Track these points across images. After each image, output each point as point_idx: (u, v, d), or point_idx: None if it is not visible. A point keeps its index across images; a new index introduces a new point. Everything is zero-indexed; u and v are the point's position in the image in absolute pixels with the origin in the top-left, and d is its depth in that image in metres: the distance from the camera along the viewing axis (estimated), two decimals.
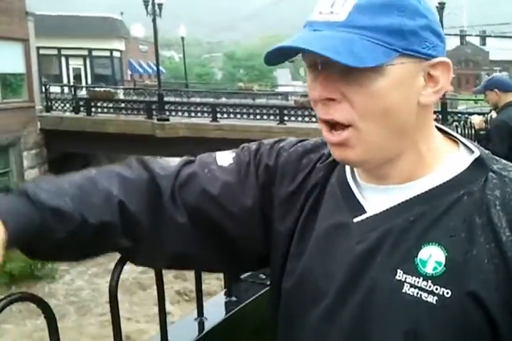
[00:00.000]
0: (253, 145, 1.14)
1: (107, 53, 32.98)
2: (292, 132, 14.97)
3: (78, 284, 12.93)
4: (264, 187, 1.08)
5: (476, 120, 5.57)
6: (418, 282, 0.88)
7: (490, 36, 35.46)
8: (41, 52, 22.00)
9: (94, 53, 32.68)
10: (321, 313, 0.96)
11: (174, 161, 1.12)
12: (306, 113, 17.78)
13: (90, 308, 11.53)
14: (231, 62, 64.20)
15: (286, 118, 17.67)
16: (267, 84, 44.83)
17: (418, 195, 0.93)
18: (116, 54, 33.61)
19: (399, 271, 0.90)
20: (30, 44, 18.69)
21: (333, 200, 1.02)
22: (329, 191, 1.03)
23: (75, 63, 32.67)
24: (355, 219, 0.96)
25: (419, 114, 0.92)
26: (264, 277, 1.47)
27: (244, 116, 18.19)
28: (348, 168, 1.03)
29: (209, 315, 1.29)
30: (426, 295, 0.87)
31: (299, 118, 17.79)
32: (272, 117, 17.93)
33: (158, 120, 17.94)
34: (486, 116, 5.53)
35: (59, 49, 31.57)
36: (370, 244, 0.93)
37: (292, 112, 18.06)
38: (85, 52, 32.36)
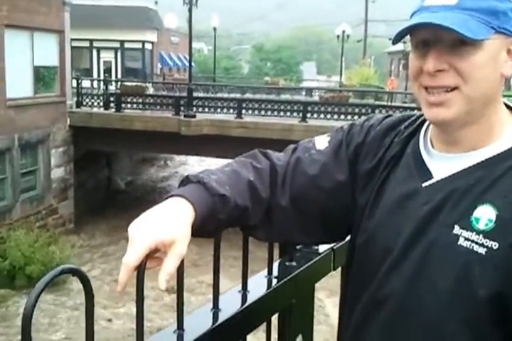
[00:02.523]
0: (346, 127, 1.31)
1: (139, 45, 32.16)
2: (313, 131, 14.56)
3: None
4: (351, 164, 1.24)
5: None
6: (471, 236, 1.03)
7: None
8: (73, 44, 20.29)
9: (126, 45, 31.87)
10: (388, 263, 1.11)
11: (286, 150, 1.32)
12: (330, 109, 17.78)
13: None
14: (259, 55, 62.89)
15: (309, 115, 17.52)
16: (292, 79, 44.69)
17: (479, 163, 1.07)
18: (148, 46, 32.79)
19: (456, 226, 1.05)
20: (65, 36, 17.95)
21: (406, 168, 1.17)
22: (404, 160, 1.18)
23: (107, 56, 31.86)
24: (424, 184, 1.12)
25: (500, 85, 1.08)
26: (316, 248, 1.60)
27: (268, 112, 18.02)
28: (421, 140, 1.18)
29: (275, 273, 1.46)
30: (477, 247, 1.02)
31: (321, 115, 17.67)
32: (295, 114, 17.78)
33: (185, 116, 17.57)
34: None
35: (91, 41, 30.75)
36: (436, 204, 1.08)
37: (316, 108, 17.96)
38: (117, 44, 31.56)
